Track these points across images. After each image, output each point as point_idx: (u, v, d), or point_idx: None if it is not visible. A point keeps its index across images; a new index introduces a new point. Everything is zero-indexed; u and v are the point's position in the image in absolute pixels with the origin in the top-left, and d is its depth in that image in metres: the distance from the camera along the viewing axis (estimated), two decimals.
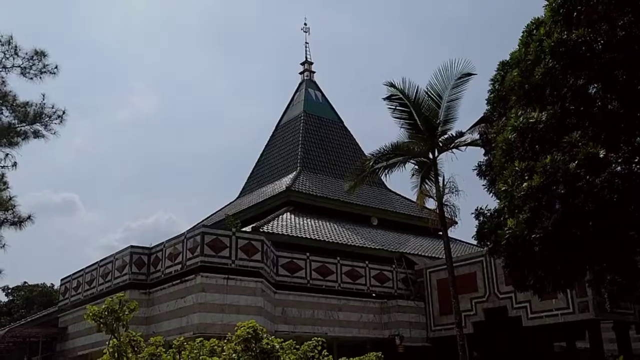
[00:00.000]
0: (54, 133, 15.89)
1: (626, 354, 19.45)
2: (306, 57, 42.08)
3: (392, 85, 19.30)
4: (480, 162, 14.43)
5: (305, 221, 28.04)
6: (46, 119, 15.58)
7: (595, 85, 11.35)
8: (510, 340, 23.55)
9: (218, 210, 36.99)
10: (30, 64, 15.15)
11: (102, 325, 8.59)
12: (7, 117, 15.36)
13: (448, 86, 19.33)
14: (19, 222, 16.32)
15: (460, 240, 32.84)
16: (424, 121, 19.68)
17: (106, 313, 8.53)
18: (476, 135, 18.25)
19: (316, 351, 11.00)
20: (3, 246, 16.47)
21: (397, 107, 19.82)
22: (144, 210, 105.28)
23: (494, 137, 13.17)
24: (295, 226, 26.79)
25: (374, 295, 24.82)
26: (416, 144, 20.34)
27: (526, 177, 10.74)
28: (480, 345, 24.92)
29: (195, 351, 9.48)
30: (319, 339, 11.18)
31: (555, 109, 11.00)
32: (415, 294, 25.65)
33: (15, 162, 15.73)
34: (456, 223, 20.69)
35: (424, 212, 22.39)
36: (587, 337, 23.59)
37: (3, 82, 15.14)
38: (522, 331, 22.29)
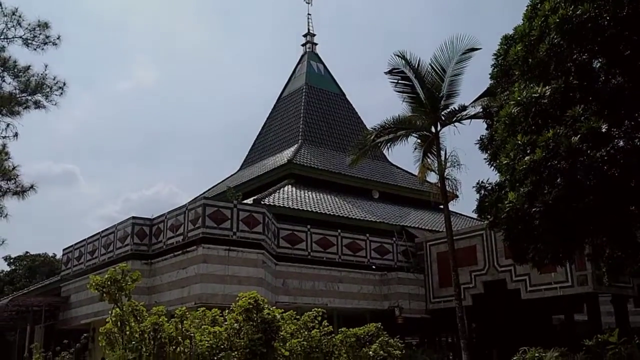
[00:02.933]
0: (55, 104, 15.82)
1: (623, 327, 19.60)
2: (308, 29, 41.69)
3: (402, 56, 19.12)
4: (482, 135, 14.34)
5: (306, 194, 28.10)
6: (47, 90, 15.47)
7: (600, 60, 11.26)
8: (509, 313, 23.79)
9: (219, 183, 37.05)
10: (33, 35, 14.99)
11: (105, 295, 8.71)
12: (9, 84, 15.26)
13: (452, 60, 19.19)
14: (21, 192, 16.32)
15: (460, 214, 32.94)
16: (427, 95, 19.59)
17: (109, 283, 8.65)
18: (479, 109, 18.17)
19: (316, 321, 11.18)
20: (5, 216, 16.50)
21: (400, 81, 19.71)
22: (144, 181, 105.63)
23: (496, 111, 13.10)
24: (297, 199, 26.86)
25: (374, 267, 24.98)
26: (419, 117, 20.26)
27: (528, 151, 10.73)
28: (479, 317, 25.19)
29: (197, 320, 9.62)
30: (319, 309, 11.35)
31: (559, 83, 10.92)
32: (415, 267, 25.82)
33: (16, 133, 15.67)
34: (457, 197, 20.65)
35: (425, 186, 22.39)
36: (585, 310, 23.84)
37: (2, 48, 14.98)
38: (521, 304, 22.47)
